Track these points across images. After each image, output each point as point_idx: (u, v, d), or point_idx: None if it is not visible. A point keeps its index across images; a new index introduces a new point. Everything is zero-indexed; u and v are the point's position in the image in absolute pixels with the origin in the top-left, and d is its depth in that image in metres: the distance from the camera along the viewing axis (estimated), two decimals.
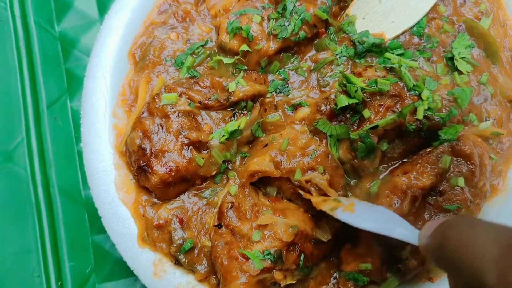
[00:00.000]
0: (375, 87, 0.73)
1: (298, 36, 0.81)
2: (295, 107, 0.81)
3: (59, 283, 0.88)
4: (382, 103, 0.74)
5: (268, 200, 0.77)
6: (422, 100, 0.72)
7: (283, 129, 0.80)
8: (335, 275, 0.78)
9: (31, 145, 0.93)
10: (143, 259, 0.78)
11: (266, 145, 0.78)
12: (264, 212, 0.74)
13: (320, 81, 0.82)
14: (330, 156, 0.76)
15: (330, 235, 0.74)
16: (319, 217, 0.76)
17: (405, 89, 0.74)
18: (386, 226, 0.65)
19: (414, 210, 0.73)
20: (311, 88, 0.83)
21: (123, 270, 0.85)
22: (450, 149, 0.74)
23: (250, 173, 0.76)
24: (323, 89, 0.82)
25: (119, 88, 0.85)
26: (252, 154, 0.79)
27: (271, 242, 0.71)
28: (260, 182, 0.78)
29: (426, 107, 0.72)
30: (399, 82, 0.74)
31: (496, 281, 0.38)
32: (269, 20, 0.81)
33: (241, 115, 0.80)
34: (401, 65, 0.75)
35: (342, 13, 0.86)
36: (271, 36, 0.81)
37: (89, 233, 0.89)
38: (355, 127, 0.75)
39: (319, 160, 0.75)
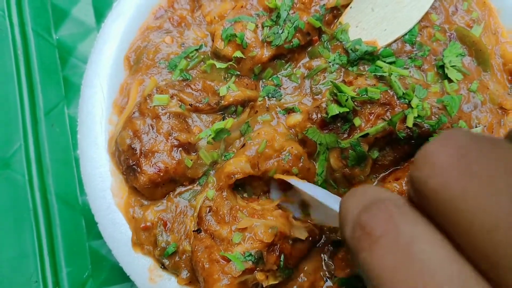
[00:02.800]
0: (365, 96, 0.74)
1: (291, 43, 0.82)
2: (288, 111, 0.82)
3: None
4: (373, 111, 0.74)
5: (246, 202, 0.78)
6: (412, 108, 0.73)
7: (263, 127, 0.80)
8: (328, 282, 0.78)
9: (29, 152, 0.94)
10: (139, 265, 0.79)
11: (243, 145, 0.79)
12: (242, 215, 0.74)
13: (313, 88, 0.83)
14: (302, 158, 0.77)
15: (307, 233, 0.75)
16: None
17: (395, 97, 0.74)
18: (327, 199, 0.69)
19: None
20: (304, 95, 0.83)
21: (120, 276, 0.86)
22: None
23: (226, 174, 0.76)
24: (315, 96, 0.82)
25: (115, 95, 0.86)
26: (234, 155, 0.80)
27: (251, 243, 0.71)
28: (238, 185, 0.79)
29: (416, 115, 0.72)
30: (389, 91, 0.75)
31: (349, 234, 0.39)
32: (263, 27, 0.82)
33: (230, 118, 0.81)
34: (391, 74, 0.76)
35: (335, 21, 0.86)
36: (265, 44, 0.82)
37: (86, 239, 0.90)
38: (346, 136, 0.76)
39: (290, 164, 0.76)
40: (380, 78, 0.78)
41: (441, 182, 0.34)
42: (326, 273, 0.79)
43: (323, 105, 0.77)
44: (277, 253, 0.73)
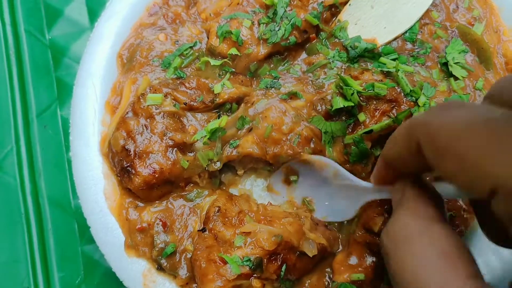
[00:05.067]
0: (372, 91, 0.73)
1: (288, 41, 0.80)
2: (290, 96, 0.79)
3: None
4: (378, 107, 0.73)
5: (258, 206, 0.77)
6: (419, 106, 0.72)
7: (268, 110, 0.77)
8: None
9: (21, 154, 0.92)
10: (132, 270, 0.77)
11: (250, 130, 0.77)
12: (248, 219, 0.73)
13: (314, 82, 0.81)
14: (313, 140, 0.75)
15: (317, 250, 0.73)
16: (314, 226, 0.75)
17: (402, 94, 0.73)
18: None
19: None
20: (306, 84, 0.81)
21: (113, 281, 0.83)
22: None
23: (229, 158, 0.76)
24: (318, 90, 0.81)
25: (108, 95, 0.84)
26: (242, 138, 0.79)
27: (252, 249, 0.70)
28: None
29: None
30: (396, 87, 0.74)
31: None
32: (259, 24, 0.81)
33: (224, 116, 0.79)
34: (398, 70, 0.75)
35: (333, 19, 0.85)
36: (261, 41, 0.80)
37: (78, 243, 0.89)
38: (350, 131, 0.75)
39: (301, 147, 0.75)
40: (387, 74, 0.76)
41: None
42: (327, 279, 0.77)
43: (328, 97, 0.75)
44: (279, 263, 0.71)
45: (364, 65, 0.80)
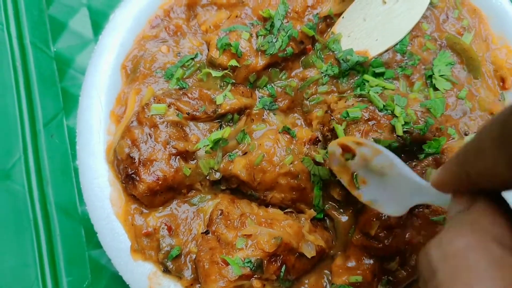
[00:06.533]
0: (348, 118, 0.76)
1: (285, 52, 0.83)
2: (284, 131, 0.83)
3: None
4: (359, 129, 0.76)
5: (259, 209, 0.80)
6: (397, 116, 0.75)
7: (264, 138, 0.81)
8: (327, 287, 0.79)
9: (29, 163, 0.95)
10: (138, 273, 0.79)
11: (245, 153, 0.80)
12: (250, 222, 0.76)
13: (304, 107, 0.85)
14: (299, 176, 0.78)
15: (315, 252, 0.76)
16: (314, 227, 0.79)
17: (377, 110, 0.76)
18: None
19: (401, 222, 0.74)
20: (297, 118, 0.86)
21: (119, 284, 0.86)
22: (434, 162, 0.75)
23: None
24: (306, 115, 0.85)
25: (113, 105, 0.87)
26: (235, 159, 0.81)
27: (252, 250, 0.73)
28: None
29: (403, 122, 0.74)
30: (369, 107, 0.76)
31: None
32: (257, 36, 0.83)
33: (227, 127, 0.82)
34: (369, 91, 0.78)
35: (328, 30, 0.87)
36: (259, 52, 0.83)
37: (85, 248, 0.91)
38: None
39: (286, 178, 0.78)
40: (360, 96, 0.79)
41: None
42: (325, 280, 0.80)
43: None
44: (279, 264, 0.73)
45: (352, 81, 0.83)
